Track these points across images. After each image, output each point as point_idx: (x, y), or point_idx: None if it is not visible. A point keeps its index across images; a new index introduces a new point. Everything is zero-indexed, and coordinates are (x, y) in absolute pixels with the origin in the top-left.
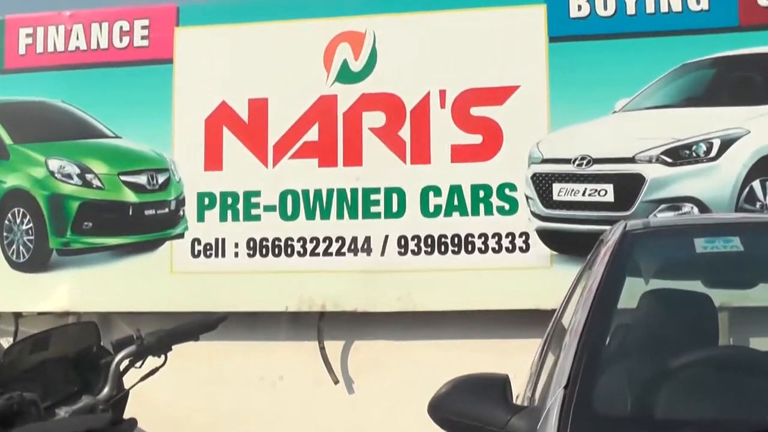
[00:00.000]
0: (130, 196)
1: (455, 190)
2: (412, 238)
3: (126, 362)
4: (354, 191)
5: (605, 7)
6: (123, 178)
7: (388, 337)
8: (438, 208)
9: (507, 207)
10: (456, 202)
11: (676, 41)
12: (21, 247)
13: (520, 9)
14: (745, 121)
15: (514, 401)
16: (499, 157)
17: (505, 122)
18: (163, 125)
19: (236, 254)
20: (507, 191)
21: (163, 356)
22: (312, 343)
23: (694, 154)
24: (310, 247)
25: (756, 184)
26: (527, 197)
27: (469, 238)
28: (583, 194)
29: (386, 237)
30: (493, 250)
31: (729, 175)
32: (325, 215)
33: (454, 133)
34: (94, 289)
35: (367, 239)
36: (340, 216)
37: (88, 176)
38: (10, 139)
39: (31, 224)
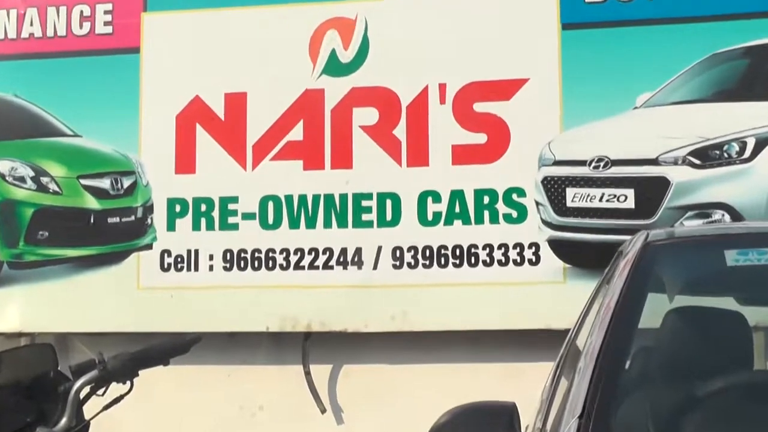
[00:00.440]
0: (92, 202)
1: (457, 195)
2: (409, 250)
3: (86, 389)
4: (343, 197)
5: None
6: (83, 181)
7: (382, 360)
8: (437, 215)
9: (515, 214)
10: (457, 209)
11: (705, 28)
12: None
13: None
14: None
15: None
16: (506, 158)
17: (512, 119)
18: (128, 123)
19: (211, 268)
20: (515, 197)
21: (128, 383)
22: (296, 367)
23: (725, 155)
24: (294, 259)
25: None
26: (537, 204)
27: (473, 250)
28: (600, 200)
29: (379, 248)
30: (500, 262)
31: (764, 179)
32: (311, 224)
33: (456, 131)
34: (50, 307)
35: (358, 251)
36: (327, 225)
37: (44, 179)
38: None
39: None
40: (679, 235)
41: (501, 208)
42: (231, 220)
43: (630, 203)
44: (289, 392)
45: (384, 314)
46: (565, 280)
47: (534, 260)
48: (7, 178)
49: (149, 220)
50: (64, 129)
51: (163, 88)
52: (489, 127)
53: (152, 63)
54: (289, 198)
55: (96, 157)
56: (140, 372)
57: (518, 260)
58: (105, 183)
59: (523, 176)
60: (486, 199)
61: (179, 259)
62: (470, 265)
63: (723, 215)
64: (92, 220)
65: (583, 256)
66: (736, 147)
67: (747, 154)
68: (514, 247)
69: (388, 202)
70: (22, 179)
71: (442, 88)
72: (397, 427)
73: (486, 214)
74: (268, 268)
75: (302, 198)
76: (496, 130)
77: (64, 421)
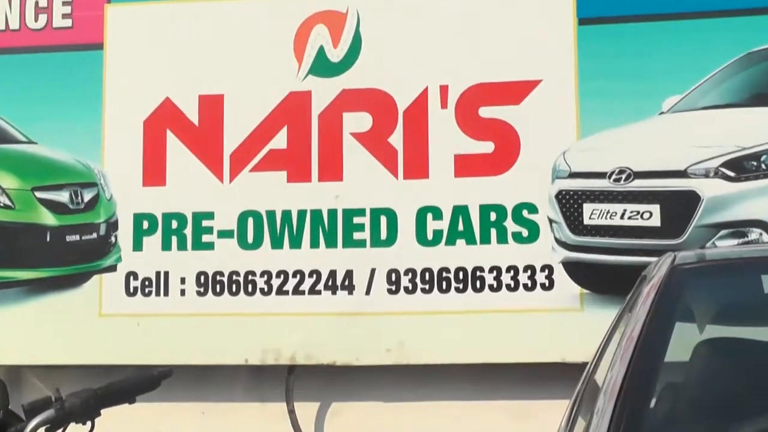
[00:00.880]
0: (48, 218)
1: (460, 211)
2: (406, 273)
3: (42, 431)
4: (332, 213)
5: None
6: (38, 194)
7: (375, 397)
8: (438, 234)
9: (525, 233)
10: (461, 227)
11: (739, 23)
12: None
13: None
14: None
15: None
16: (516, 170)
17: (522, 126)
18: (90, 128)
19: (183, 292)
20: (525, 213)
21: (89, 423)
22: (279, 405)
23: (762, 166)
24: (276, 283)
25: None
26: (551, 221)
27: (478, 273)
28: (622, 217)
29: (373, 271)
30: (508, 287)
31: None
32: (296, 243)
33: (459, 139)
34: (0, 336)
35: (349, 274)
36: (314, 244)
37: None
38: None
39: None
40: (711, 257)
41: (510, 225)
42: (206, 238)
43: (655, 221)
44: None
45: (378, 345)
46: (582, 307)
47: (547, 285)
48: None
49: (113, 239)
50: (17, 135)
51: (129, 90)
52: (496, 135)
53: (117, 61)
54: (271, 214)
55: (53, 166)
56: (103, 411)
57: (529, 285)
58: (63, 196)
59: (535, 190)
60: (493, 216)
61: (147, 283)
62: (475, 290)
63: (761, 234)
64: (48, 238)
65: (603, 281)
66: None
67: None
68: (525, 269)
69: (383, 219)
70: None
71: (444, 90)
72: None
73: (493, 232)
74: (247, 292)
75: (286, 214)
76: (505, 137)
77: None
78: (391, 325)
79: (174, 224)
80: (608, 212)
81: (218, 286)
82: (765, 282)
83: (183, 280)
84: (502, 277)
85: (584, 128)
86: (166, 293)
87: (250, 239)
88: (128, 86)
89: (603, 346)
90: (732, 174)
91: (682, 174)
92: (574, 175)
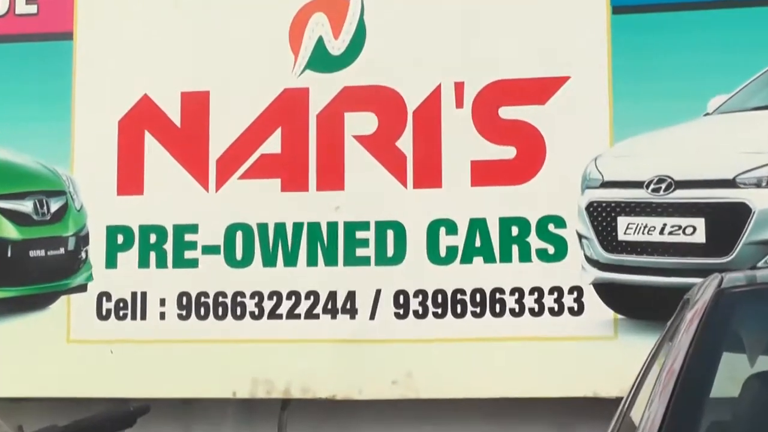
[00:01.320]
0: (9, 231)
1: (477, 225)
2: (415, 295)
3: None
4: (332, 226)
5: None
6: None
7: None
8: (452, 251)
9: (551, 250)
10: (478, 243)
11: None
12: None
13: None
14: None
15: None
16: (540, 178)
17: (548, 128)
18: (58, 129)
19: (162, 315)
20: (551, 227)
21: None
22: None
23: None
24: (268, 306)
25: None
26: (580, 236)
27: (497, 295)
28: (661, 232)
29: (378, 292)
30: (532, 312)
31: None
32: (291, 260)
33: (476, 143)
34: None
35: (351, 296)
36: (312, 261)
37: None
38: None
39: None
40: (763, 279)
41: (534, 241)
42: (188, 254)
43: (699, 237)
44: None
45: (383, 377)
46: (615, 334)
47: (576, 309)
48: None
49: (83, 254)
50: None
51: (102, 85)
52: (519, 138)
53: (88, 52)
54: (262, 227)
55: (15, 172)
56: None
57: (556, 309)
58: (26, 206)
59: (562, 201)
60: (514, 231)
61: (122, 305)
62: (494, 314)
63: None
64: (9, 253)
65: (639, 305)
66: None
67: None
68: (551, 291)
69: (390, 234)
70: None
71: (459, 88)
72: None
73: (514, 249)
74: (235, 316)
75: (280, 227)
76: (528, 141)
77: None
78: (398, 354)
79: (152, 238)
80: (646, 227)
81: (202, 309)
82: None
83: (162, 302)
84: (524, 300)
85: (618, 131)
86: (143, 316)
87: (238, 256)
88: (101, 81)
89: (640, 380)
90: None
91: (730, 183)
92: (607, 184)
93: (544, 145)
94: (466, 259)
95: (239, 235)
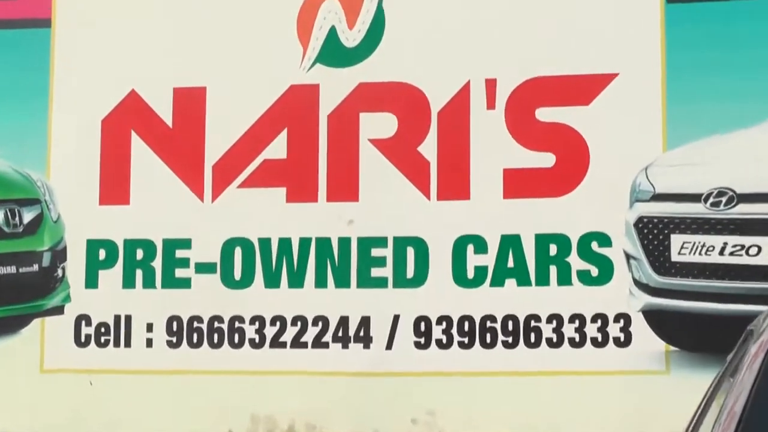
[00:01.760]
0: None
1: (510, 243)
2: (439, 321)
3: None
4: (344, 242)
5: None
6: None
7: None
8: (481, 272)
9: (594, 272)
10: (511, 263)
11: None
12: None
13: None
14: None
15: None
16: (583, 189)
17: (592, 133)
18: (33, 128)
19: (149, 342)
20: (595, 246)
21: None
22: None
23: None
24: (270, 332)
25: None
26: (628, 256)
27: (533, 323)
28: (721, 252)
29: (396, 318)
30: (572, 342)
31: None
32: (297, 281)
33: (510, 149)
34: None
35: (365, 322)
36: (320, 283)
37: None
38: None
39: None
40: None
41: (575, 262)
42: (180, 273)
43: (764, 258)
44: None
45: (402, 414)
46: (668, 369)
47: (623, 339)
48: None
49: (60, 272)
50: None
51: (83, 79)
52: (558, 144)
53: (69, 42)
54: (264, 243)
55: None
56: None
57: (599, 339)
58: None
59: (608, 216)
60: (553, 249)
61: (103, 330)
62: (529, 345)
63: None
64: None
65: (695, 335)
66: None
67: None
68: (594, 319)
69: (410, 252)
70: None
71: (491, 86)
72: None
73: (552, 270)
74: (233, 344)
75: (284, 243)
76: (569, 147)
77: None
78: (419, 389)
79: (139, 254)
80: (703, 246)
81: (195, 336)
82: None
83: (150, 327)
84: (563, 329)
85: (673, 136)
86: (127, 343)
87: (237, 275)
88: (82, 74)
89: (696, 421)
90: None
91: None
92: (659, 197)
93: (588, 152)
94: (497, 281)
95: (238, 251)
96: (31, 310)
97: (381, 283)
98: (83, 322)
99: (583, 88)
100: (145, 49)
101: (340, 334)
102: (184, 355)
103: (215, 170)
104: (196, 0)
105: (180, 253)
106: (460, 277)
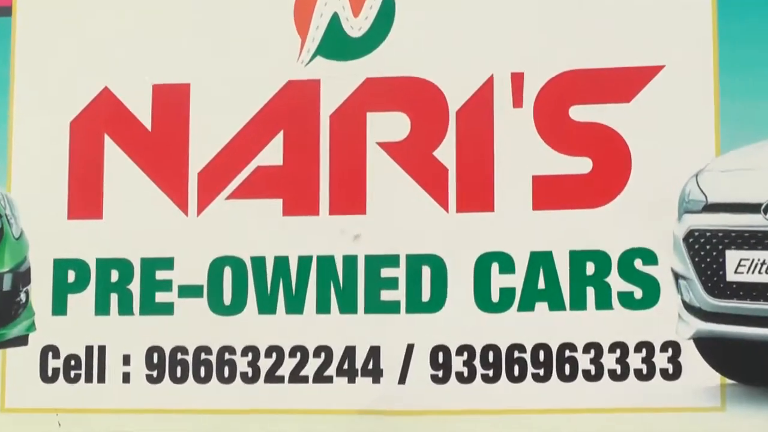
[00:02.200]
0: None
1: (541, 260)
2: (459, 351)
3: None
4: (350, 261)
5: None
6: None
7: None
8: (508, 294)
9: (638, 294)
10: (542, 284)
11: None
12: None
13: None
14: None
15: None
16: (624, 199)
17: (635, 135)
18: None
19: (126, 377)
20: (638, 264)
21: None
22: None
23: None
24: (266, 365)
25: None
26: (677, 276)
27: (567, 353)
28: None
29: (410, 348)
30: (613, 375)
31: None
32: (296, 306)
33: (540, 153)
34: None
35: (374, 352)
36: (323, 308)
37: None
38: None
39: None
40: None
41: (615, 282)
42: (161, 297)
43: None
44: None
45: None
46: (723, 405)
47: (671, 371)
48: None
49: (22, 296)
50: None
51: (49, 75)
52: (595, 147)
53: (31, 32)
54: (258, 262)
55: None
56: None
57: (644, 371)
58: None
59: (653, 230)
60: (590, 268)
61: (73, 363)
62: (563, 378)
63: None
64: None
65: (755, 366)
66: None
67: None
68: (638, 348)
69: (426, 272)
70: None
71: (518, 80)
72: None
73: (590, 293)
74: (222, 379)
75: (281, 262)
76: (608, 151)
77: None
78: (437, 429)
79: (114, 276)
80: (764, 263)
81: (179, 369)
82: None
83: (127, 360)
84: (603, 360)
85: (727, 138)
86: (101, 378)
87: (227, 299)
88: (48, 69)
89: None
90: None
91: None
92: (712, 207)
93: (629, 156)
94: (526, 305)
95: (227, 272)
96: None
97: (392, 308)
98: (50, 354)
99: (623, 83)
100: (119, 40)
101: (345, 366)
102: (167, 392)
103: (201, 179)
104: None
105: (161, 275)
106: (483, 300)
